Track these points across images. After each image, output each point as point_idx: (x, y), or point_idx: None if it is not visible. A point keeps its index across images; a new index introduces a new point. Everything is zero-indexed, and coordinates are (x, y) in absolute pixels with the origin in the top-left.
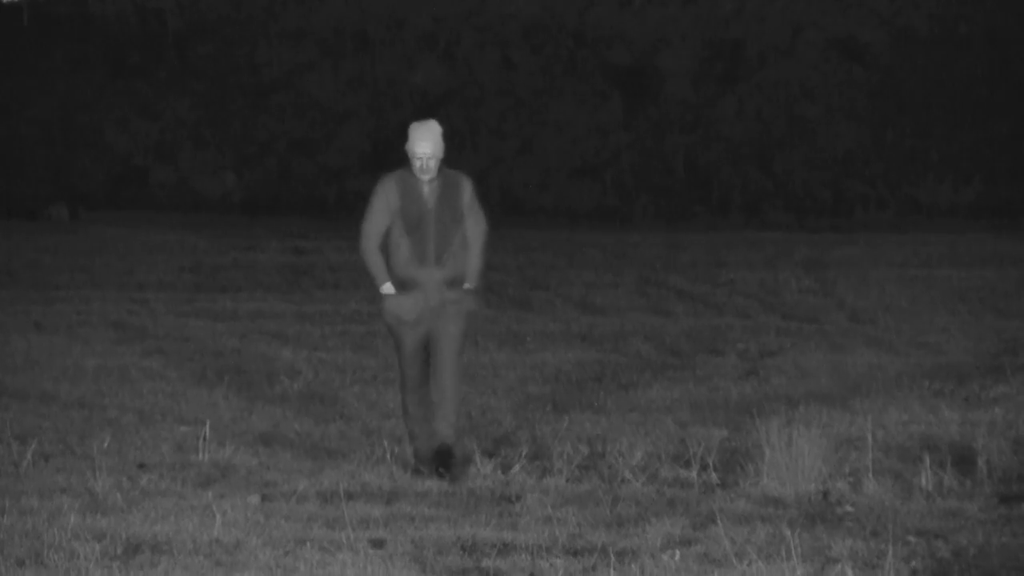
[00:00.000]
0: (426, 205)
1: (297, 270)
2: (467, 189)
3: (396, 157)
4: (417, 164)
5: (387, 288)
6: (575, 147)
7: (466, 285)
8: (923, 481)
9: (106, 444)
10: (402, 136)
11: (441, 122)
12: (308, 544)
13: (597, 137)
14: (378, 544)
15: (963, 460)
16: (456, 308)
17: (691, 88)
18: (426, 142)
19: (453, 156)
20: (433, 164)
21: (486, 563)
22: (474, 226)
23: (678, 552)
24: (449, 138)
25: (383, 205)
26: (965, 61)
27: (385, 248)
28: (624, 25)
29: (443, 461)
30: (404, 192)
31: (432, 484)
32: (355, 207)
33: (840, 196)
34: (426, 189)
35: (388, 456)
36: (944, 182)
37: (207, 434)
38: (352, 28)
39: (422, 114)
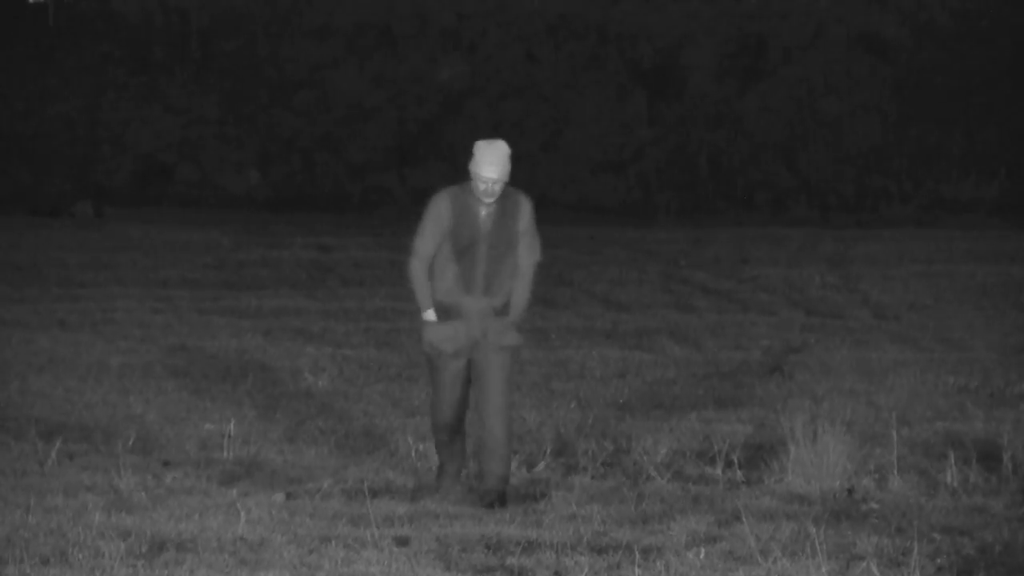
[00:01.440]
0: (481, 230)
1: (321, 267)
2: (526, 212)
3: (421, 153)
4: (482, 187)
5: (429, 315)
6: (599, 143)
7: (509, 318)
8: (948, 478)
9: (131, 442)
10: (428, 131)
11: (465, 119)
12: (333, 542)
13: (621, 133)
14: (403, 542)
15: (988, 457)
16: (497, 340)
17: (715, 84)
18: (494, 166)
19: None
20: (498, 188)
21: (511, 561)
22: (527, 254)
23: (703, 550)
24: (473, 134)
25: (436, 224)
26: (988, 56)
27: (430, 270)
28: (648, 21)
29: (492, 502)
30: (458, 212)
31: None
32: (380, 204)
33: (864, 192)
34: (483, 211)
35: (412, 453)
36: (968, 178)
37: (231, 432)
38: (376, 24)
39: (446, 110)
